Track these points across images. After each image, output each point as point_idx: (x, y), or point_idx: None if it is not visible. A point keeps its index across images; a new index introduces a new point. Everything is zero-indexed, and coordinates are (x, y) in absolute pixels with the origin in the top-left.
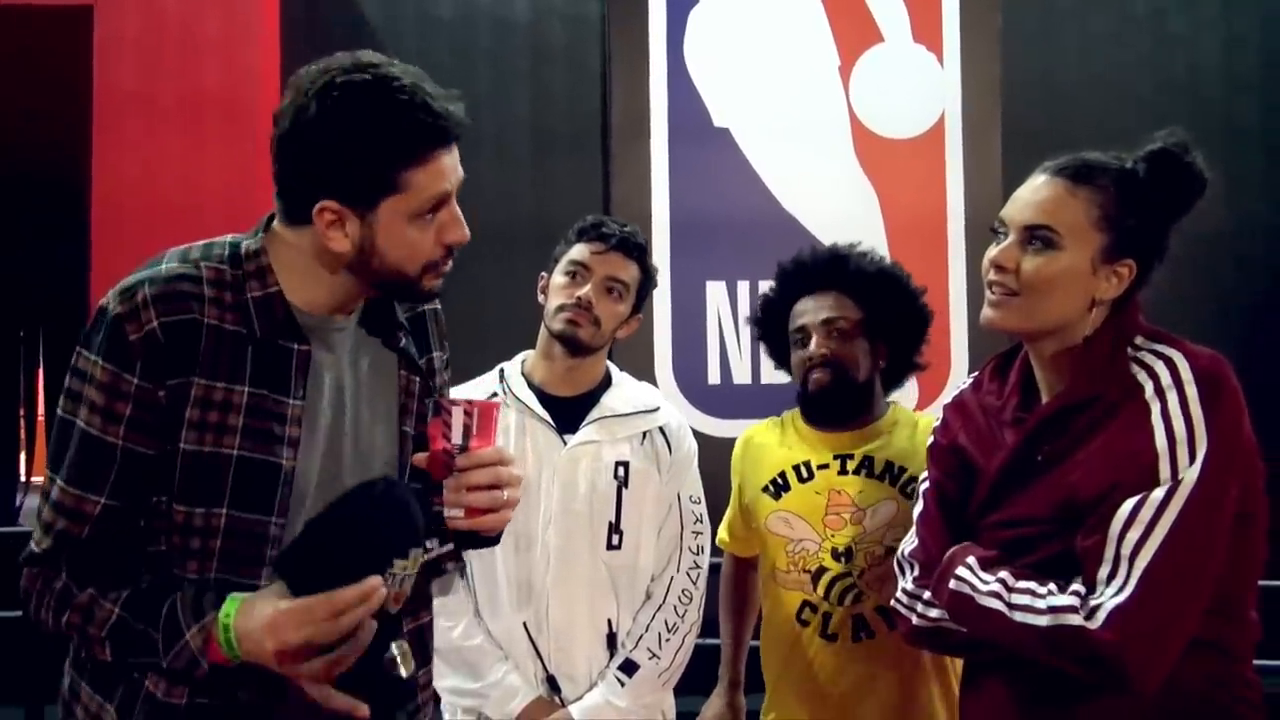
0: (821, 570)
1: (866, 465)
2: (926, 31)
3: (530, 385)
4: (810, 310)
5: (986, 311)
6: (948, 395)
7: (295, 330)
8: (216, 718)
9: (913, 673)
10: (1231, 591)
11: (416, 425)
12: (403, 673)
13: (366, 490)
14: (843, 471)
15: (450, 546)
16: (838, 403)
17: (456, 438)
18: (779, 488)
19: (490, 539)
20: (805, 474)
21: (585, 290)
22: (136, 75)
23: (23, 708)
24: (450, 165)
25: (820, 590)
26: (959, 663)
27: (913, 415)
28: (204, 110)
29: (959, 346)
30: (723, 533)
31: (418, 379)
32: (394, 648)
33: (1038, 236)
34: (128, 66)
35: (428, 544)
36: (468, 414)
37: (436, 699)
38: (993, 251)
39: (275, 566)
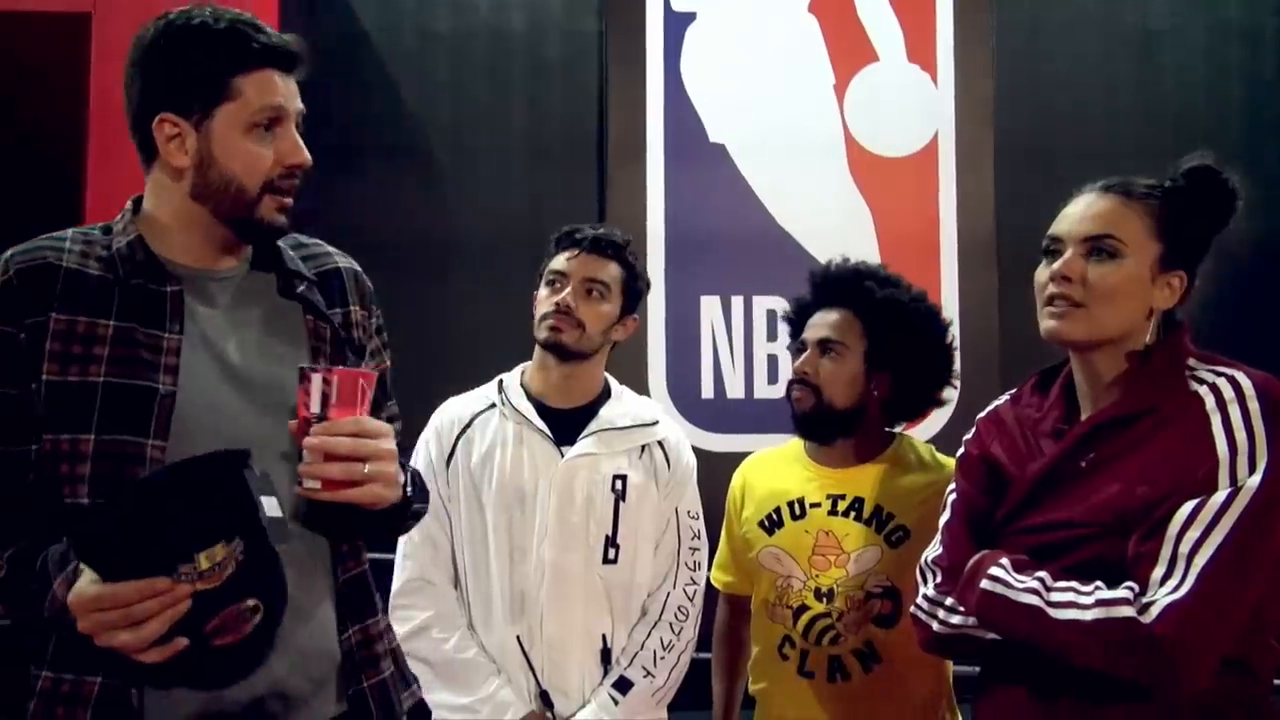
0: (803, 608)
1: (856, 508)
2: (921, 51)
3: (529, 397)
4: (814, 326)
5: (1050, 324)
6: (940, 413)
7: (162, 274)
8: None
9: (889, 716)
10: (1263, 612)
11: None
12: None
13: (172, 474)
14: (833, 512)
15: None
16: (816, 424)
17: (315, 406)
18: (773, 524)
19: (352, 526)
20: (798, 511)
21: (564, 295)
22: None
23: None
24: (284, 86)
25: (800, 628)
26: (940, 707)
27: (926, 455)
28: None
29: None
30: (722, 574)
31: (328, 327)
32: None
33: (1102, 247)
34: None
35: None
36: (326, 382)
37: (406, 677)
38: (1054, 266)
39: (69, 541)
